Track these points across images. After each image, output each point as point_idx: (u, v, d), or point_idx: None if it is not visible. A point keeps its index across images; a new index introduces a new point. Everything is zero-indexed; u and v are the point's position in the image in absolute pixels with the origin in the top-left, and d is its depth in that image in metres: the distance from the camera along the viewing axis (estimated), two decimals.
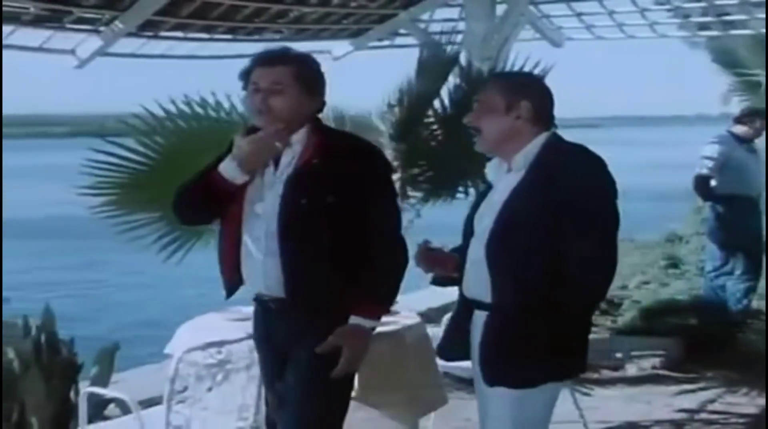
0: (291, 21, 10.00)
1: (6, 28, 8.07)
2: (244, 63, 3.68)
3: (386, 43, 11.34)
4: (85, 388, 4.94)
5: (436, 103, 6.60)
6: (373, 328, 3.55)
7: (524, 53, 7.07)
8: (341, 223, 3.45)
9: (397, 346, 4.91)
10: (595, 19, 11.38)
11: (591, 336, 8.51)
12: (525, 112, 3.35)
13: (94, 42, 8.58)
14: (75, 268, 18.81)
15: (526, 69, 6.85)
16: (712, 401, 6.50)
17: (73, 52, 8.66)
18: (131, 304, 15.16)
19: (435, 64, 6.51)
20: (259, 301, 3.69)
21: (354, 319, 3.48)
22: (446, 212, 6.13)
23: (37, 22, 8.22)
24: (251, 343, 3.95)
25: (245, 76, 3.61)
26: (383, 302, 3.61)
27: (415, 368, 4.96)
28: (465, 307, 3.52)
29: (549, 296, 3.18)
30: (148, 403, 4.73)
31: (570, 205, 3.16)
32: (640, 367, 7.45)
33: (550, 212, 3.17)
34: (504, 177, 3.42)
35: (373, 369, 4.74)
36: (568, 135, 3.47)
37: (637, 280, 9.41)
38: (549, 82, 3.66)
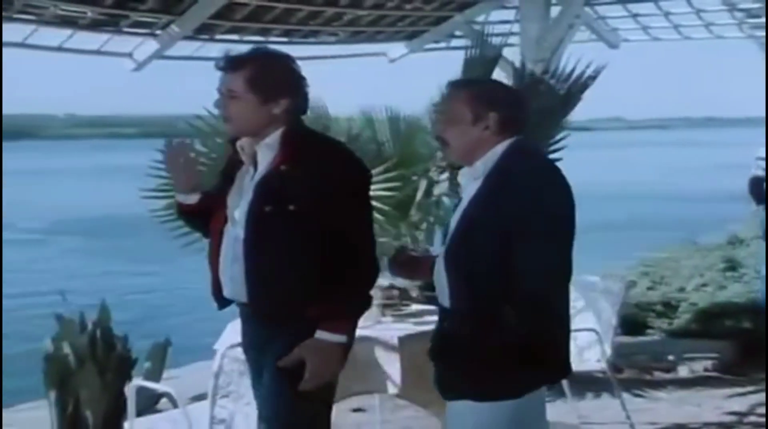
0: (346, 24, 10.08)
1: (64, 32, 8.27)
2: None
3: (442, 45, 11.36)
4: (135, 382, 5.05)
5: None
6: (341, 343, 3.36)
7: (579, 54, 7.08)
8: (306, 231, 3.31)
9: None
10: (651, 20, 11.33)
11: (644, 338, 8.44)
12: (492, 124, 3.27)
13: (150, 45, 8.75)
14: (136, 271, 19.08)
15: (579, 70, 6.88)
16: (761, 404, 6.42)
17: (130, 55, 8.83)
18: (183, 303, 15.36)
19: (476, 62, 6.52)
20: (237, 305, 3.62)
21: (319, 334, 3.33)
22: None
23: (94, 26, 8.41)
24: None
25: None
26: (348, 315, 3.41)
27: None
28: (441, 312, 3.39)
29: (500, 304, 3.08)
30: (201, 398, 4.78)
31: (521, 212, 3.09)
32: (692, 370, 7.41)
33: (504, 219, 3.10)
34: (471, 184, 3.34)
35: (418, 367, 4.78)
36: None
37: (695, 282, 9.30)
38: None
